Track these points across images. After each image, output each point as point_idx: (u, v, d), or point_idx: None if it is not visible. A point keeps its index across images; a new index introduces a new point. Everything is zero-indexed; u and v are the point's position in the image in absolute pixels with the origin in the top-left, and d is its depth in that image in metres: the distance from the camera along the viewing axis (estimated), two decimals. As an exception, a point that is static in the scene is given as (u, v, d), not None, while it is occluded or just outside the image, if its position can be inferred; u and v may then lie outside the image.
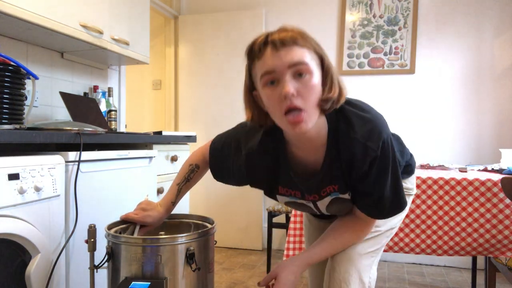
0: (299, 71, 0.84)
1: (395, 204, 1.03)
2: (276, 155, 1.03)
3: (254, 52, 0.89)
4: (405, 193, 1.11)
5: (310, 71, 0.85)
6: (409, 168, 1.25)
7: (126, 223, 1.24)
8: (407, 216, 1.87)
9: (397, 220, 1.22)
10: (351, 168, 0.97)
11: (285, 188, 1.10)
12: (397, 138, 1.21)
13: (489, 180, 1.77)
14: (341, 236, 1.10)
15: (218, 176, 1.23)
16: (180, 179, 1.28)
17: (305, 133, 0.90)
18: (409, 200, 1.24)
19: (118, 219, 1.27)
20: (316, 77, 0.87)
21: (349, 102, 0.98)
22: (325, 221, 1.31)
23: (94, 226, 1.17)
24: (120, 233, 1.20)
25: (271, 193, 1.14)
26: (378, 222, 1.14)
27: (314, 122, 0.88)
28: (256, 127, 1.02)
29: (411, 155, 1.29)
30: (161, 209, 1.25)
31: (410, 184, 1.28)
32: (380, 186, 0.98)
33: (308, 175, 1.03)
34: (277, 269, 1.08)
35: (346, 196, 1.05)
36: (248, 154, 1.04)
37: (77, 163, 1.39)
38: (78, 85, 2.37)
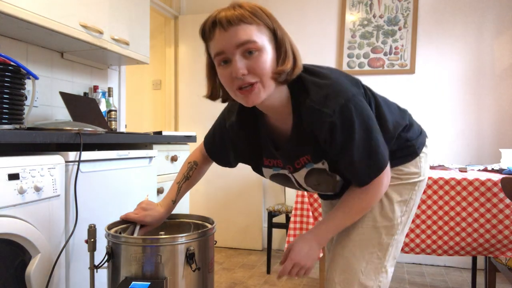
0: (248, 49, 0.85)
1: (372, 167, 0.97)
2: (256, 126, 1.06)
3: (205, 34, 0.91)
4: (408, 179, 1.10)
5: (259, 48, 0.86)
6: (411, 149, 1.12)
7: (126, 223, 1.24)
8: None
9: (398, 215, 1.09)
10: (315, 136, 0.96)
11: (268, 159, 1.11)
12: (388, 104, 1.11)
13: (489, 180, 1.77)
14: (350, 202, 1.04)
15: (220, 161, 1.25)
16: (180, 178, 1.28)
17: (261, 104, 0.92)
18: (416, 187, 1.12)
19: (118, 219, 1.27)
20: (267, 53, 0.87)
21: (307, 69, 0.98)
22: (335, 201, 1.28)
23: (94, 226, 1.17)
24: (120, 233, 1.20)
25: (257, 166, 1.16)
26: (362, 218, 1.08)
27: (268, 94, 0.90)
28: (234, 103, 1.05)
29: (420, 134, 1.17)
30: (162, 209, 1.25)
31: (414, 168, 1.12)
32: (348, 151, 0.93)
33: (283, 142, 1.04)
34: (289, 245, 1.07)
35: (321, 165, 1.02)
36: (230, 127, 1.09)
37: (77, 163, 1.39)
38: (78, 85, 2.37)
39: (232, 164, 1.24)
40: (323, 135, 0.94)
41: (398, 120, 1.10)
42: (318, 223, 1.09)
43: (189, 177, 1.28)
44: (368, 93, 1.04)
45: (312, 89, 0.92)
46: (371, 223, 1.09)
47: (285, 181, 1.16)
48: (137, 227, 1.22)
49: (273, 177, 1.17)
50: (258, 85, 0.87)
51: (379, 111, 1.04)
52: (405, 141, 1.12)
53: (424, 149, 1.18)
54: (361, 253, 1.07)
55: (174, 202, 1.27)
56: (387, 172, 1.02)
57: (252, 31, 0.85)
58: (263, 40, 0.87)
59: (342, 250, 1.09)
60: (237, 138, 1.11)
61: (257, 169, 1.17)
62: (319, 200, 1.42)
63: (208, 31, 0.89)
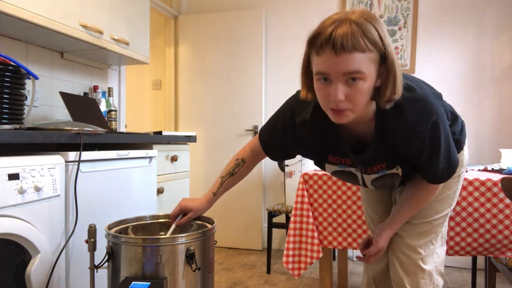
0: (353, 78, 0.85)
1: (449, 170, 1.11)
2: (328, 124, 1.04)
3: (315, 46, 0.87)
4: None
5: (363, 78, 0.85)
6: (457, 145, 1.19)
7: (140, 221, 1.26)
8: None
9: (448, 207, 1.25)
10: (400, 146, 1.03)
11: (335, 157, 1.15)
12: (450, 110, 1.20)
13: (489, 180, 1.77)
14: (421, 198, 1.18)
15: (273, 154, 1.27)
16: (225, 173, 1.32)
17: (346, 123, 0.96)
18: (460, 178, 1.26)
19: (118, 219, 1.27)
20: (369, 81, 0.87)
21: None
22: (384, 190, 1.40)
23: (94, 226, 1.17)
24: (120, 233, 1.20)
25: (320, 162, 1.21)
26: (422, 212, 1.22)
27: (360, 114, 0.95)
28: (307, 100, 1.04)
29: (462, 127, 1.24)
30: (202, 199, 1.30)
31: (466, 156, 1.28)
32: (434, 163, 1.06)
33: (359, 144, 1.09)
34: (377, 233, 1.22)
35: (394, 170, 1.12)
36: (301, 123, 1.09)
37: (77, 163, 1.39)
38: (78, 85, 2.37)
39: (284, 158, 1.29)
40: (410, 148, 1.02)
41: (450, 117, 1.18)
42: (392, 217, 1.22)
43: (234, 173, 1.31)
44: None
45: (406, 105, 0.95)
46: (425, 219, 1.23)
47: (348, 177, 1.23)
48: (173, 226, 1.26)
49: (336, 173, 1.22)
50: (348, 112, 0.90)
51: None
52: (453, 135, 1.15)
53: (466, 141, 1.27)
54: (420, 246, 1.23)
55: (215, 194, 1.31)
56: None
57: (363, 60, 0.83)
58: (371, 69, 0.86)
59: (401, 246, 1.25)
60: (307, 134, 1.10)
61: (320, 164, 1.23)
62: (366, 193, 1.49)
63: (319, 45, 0.86)
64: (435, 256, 1.25)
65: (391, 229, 1.22)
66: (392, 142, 1.02)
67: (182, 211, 1.29)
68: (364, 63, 0.83)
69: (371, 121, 1.01)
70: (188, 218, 1.29)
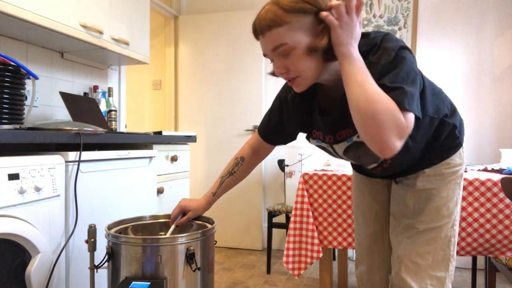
0: (282, 52, 0.91)
1: (408, 93, 0.88)
2: (313, 95, 1.09)
3: (254, 36, 0.98)
4: (455, 172, 1.14)
5: (292, 48, 0.90)
6: (457, 141, 1.14)
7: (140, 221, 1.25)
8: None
9: (453, 209, 1.13)
10: None
11: (316, 131, 1.14)
12: (450, 102, 1.14)
13: (489, 180, 1.77)
14: (379, 96, 0.87)
15: (274, 140, 1.28)
16: (224, 173, 1.32)
17: (305, 88, 0.97)
18: (461, 177, 1.17)
19: (118, 219, 1.27)
20: (302, 47, 0.90)
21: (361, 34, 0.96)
22: (375, 181, 1.30)
23: (94, 226, 1.18)
24: (120, 233, 1.20)
25: (308, 136, 1.19)
26: (421, 222, 1.12)
27: (313, 79, 0.95)
28: None
29: (460, 122, 1.16)
30: (202, 199, 1.30)
31: (459, 159, 1.16)
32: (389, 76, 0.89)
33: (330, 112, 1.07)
34: None
35: (358, 138, 1.03)
36: (291, 99, 1.14)
37: (77, 163, 1.39)
38: (78, 85, 2.37)
39: (285, 141, 1.28)
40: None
41: (439, 104, 1.09)
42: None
43: (234, 172, 1.31)
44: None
45: (362, 43, 0.93)
46: (431, 225, 1.13)
47: (327, 151, 1.19)
48: (172, 226, 1.27)
49: (319, 148, 1.20)
50: (298, 79, 0.94)
51: (423, 87, 1.03)
52: (453, 130, 1.12)
53: (464, 138, 1.21)
54: (428, 252, 1.12)
55: (214, 194, 1.31)
56: (410, 127, 0.88)
57: (283, 33, 0.89)
58: (297, 36, 0.89)
59: (409, 254, 1.13)
60: (298, 105, 1.13)
61: (310, 139, 1.20)
62: (359, 185, 1.38)
63: (254, 35, 0.97)
64: (445, 262, 1.14)
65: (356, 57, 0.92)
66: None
67: (182, 211, 1.30)
68: (285, 34, 0.89)
69: (337, 83, 0.97)
70: (188, 218, 1.29)
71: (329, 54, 0.90)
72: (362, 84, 0.86)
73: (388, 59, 0.90)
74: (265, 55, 0.97)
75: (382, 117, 0.83)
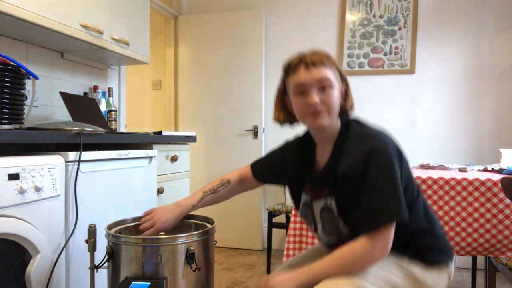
0: (323, 85, 1.05)
1: (384, 207, 0.97)
2: (307, 152, 1.21)
3: (290, 68, 1.10)
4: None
5: (331, 85, 1.06)
6: (428, 254, 1.07)
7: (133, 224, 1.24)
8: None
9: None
10: (341, 166, 1.06)
11: (306, 185, 1.19)
12: (420, 195, 1.11)
13: (489, 180, 1.77)
14: (342, 251, 1.00)
15: (259, 174, 1.34)
16: (207, 189, 1.33)
17: (323, 127, 1.08)
18: None
19: (118, 219, 1.27)
20: (336, 90, 1.08)
21: (358, 122, 1.15)
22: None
23: (94, 226, 1.17)
24: (120, 233, 1.20)
25: (298, 192, 1.23)
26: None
27: (330, 122, 1.09)
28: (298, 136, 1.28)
29: (445, 246, 1.11)
30: (176, 210, 1.26)
31: (429, 280, 1.06)
32: (366, 195, 0.99)
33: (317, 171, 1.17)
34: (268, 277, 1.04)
35: (333, 204, 1.07)
36: (290, 146, 1.27)
37: (77, 163, 1.39)
38: (78, 85, 2.37)
39: (272, 180, 1.34)
40: (349, 168, 1.02)
41: (420, 216, 1.08)
42: (305, 266, 1.04)
43: (217, 191, 1.32)
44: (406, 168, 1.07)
45: (353, 136, 1.08)
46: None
47: (307, 214, 1.20)
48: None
49: (303, 210, 1.22)
50: (325, 113, 1.06)
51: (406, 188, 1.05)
52: (422, 237, 1.08)
53: (445, 269, 1.10)
54: None
55: (194, 206, 1.29)
56: (387, 239, 0.97)
57: (328, 71, 1.07)
58: (335, 80, 1.08)
59: None
60: (296, 151, 1.24)
61: (296, 195, 1.24)
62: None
63: (293, 67, 1.09)
64: None
65: (293, 274, 1.01)
66: (336, 164, 1.07)
67: (154, 228, 1.23)
68: (330, 74, 1.07)
69: (332, 144, 1.12)
70: (157, 232, 1.23)
71: (342, 110, 1.10)
72: (327, 273, 0.99)
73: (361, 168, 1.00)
74: (300, 84, 1.06)
75: (358, 267, 1.00)
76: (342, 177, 1.03)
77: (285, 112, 1.18)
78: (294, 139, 1.30)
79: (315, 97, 1.05)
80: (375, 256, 0.98)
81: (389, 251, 1.00)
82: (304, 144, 1.24)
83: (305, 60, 1.07)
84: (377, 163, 0.99)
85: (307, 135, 1.24)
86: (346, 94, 1.13)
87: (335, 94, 1.07)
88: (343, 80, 1.13)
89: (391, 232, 0.98)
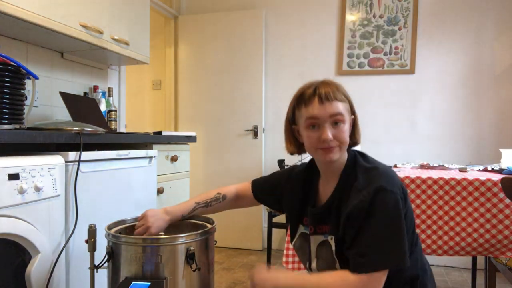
0: (336, 120, 1.05)
1: (377, 257, 0.96)
2: (310, 182, 1.20)
3: (303, 99, 1.08)
4: None
5: (344, 120, 1.06)
6: None
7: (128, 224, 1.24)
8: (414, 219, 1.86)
9: None
10: (343, 207, 1.04)
11: (305, 217, 1.17)
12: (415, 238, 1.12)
13: (489, 180, 1.77)
14: (329, 277, 1.00)
15: (258, 196, 1.33)
16: (200, 200, 1.31)
17: (333, 162, 1.08)
18: None
19: (118, 219, 1.27)
20: (347, 124, 1.07)
21: (361, 153, 1.14)
22: None
23: (94, 226, 1.17)
24: (120, 233, 1.20)
25: (295, 223, 1.21)
26: None
27: (341, 156, 1.08)
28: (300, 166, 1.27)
29: (430, 279, 1.13)
30: (167, 217, 1.26)
31: None
32: (363, 237, 0.97)
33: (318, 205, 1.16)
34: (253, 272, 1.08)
35: (332, 243, 1.07)
36: (295, 176, 1.24)
37: (77, 163, 1.39)
38: (78, 85, 2.37)
39: (267, 202, 1.33)
40: (349, 210, 1.00)
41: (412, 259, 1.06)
42: (290, 272, 1.09)
43: (209, 206, 1.31)
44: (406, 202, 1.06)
45: (360, 173, 1.06)
46: None
47: (302, 247, 1.19)
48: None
49: (298, 241, 1.21)
50: (336, 148, 1.06)
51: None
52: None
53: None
54: None
55: (184, 217, 1.29)
56: (380, 282, 0.96)
57: (341, 107, 1.06)
58: (346, 113, 1.07)
59: None
60: (297, 183, 1.22)
61: (294, 225, 1.22)
62: None
63: (307, 98, 1.07)
64: None
65: (280, 278, 1.03)
66: (341, 200, 1.06)
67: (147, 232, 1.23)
68: (342, 109, 1.06)
69: (338, 177, 1.10)
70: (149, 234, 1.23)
71: (351, 143, 1.10)
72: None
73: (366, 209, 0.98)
74: (313, 117, 1.05)
75: None
76: (347, 217, 1.00)
77: (294, 142, 1.17)
78: (300, 166, 1.26)
79: (329, 133, 1.03)
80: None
81: None
82: (309, 173, 1.21)
83: (319, 93, 1.05)
84: (384, 205, 0.97)
85: (313, 164, 1.21)
86: (354, 126, 1.12)
87: (346, 128, 1.07)
88: (353, 112, 1.12)
89: (384, 277, 0.97)
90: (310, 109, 1.05)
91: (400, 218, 0.98)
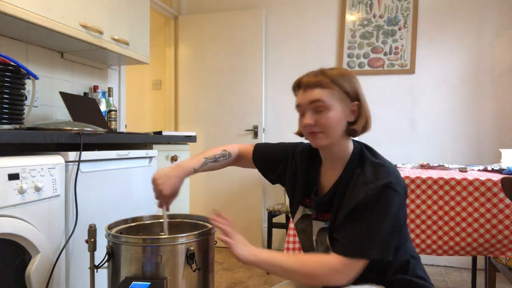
0: (316, 107, 1.06)
1: (363, 244, 0.98)
2: (316, 160, 1.19)
3: (294, 89, 1.14)
4: None
5: (326, 106, 1.05)
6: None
7: (129, 222, 1.24)
8: (407, 216, 1.87)
9: None
10: (347, 199, 1.04)
11: (308, 199, 1.18)
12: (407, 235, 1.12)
13: (489, 180, 1.77)
14: (309, 260, 1.02)
15: (258, 162, 1.32)
16: (209, 156, 1.28)
17: (321, 147, 1.10)
18: None
19: (118, 219, 1.27)
20: (334, 111, 1.06)
21: (368, 148, 1.14)
22: None
23: (94, 226, 1.17)
24: (120, 233, 1.20)
25: (297, 202, 1.21)
26: None
27: (331, 141, 1.08)
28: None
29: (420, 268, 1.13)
30: (180, 172, 1.19)
31: None
32: (358, 222, 0.99)
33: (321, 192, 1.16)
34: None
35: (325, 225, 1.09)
36: (300, 151, 1.24)
37: (77, 163, 1.39)
38: (78, 85, 2.37)
39: (266, 171, 1.32)
40: (357, 206, 1.00)
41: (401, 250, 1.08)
42: (273, 253, 1.07)
43: (218, 161, 1.29)
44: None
45: (368, 167, 1.06)
46: None
47: (308, 233, 1.18)
48: (164, 214, 1.22)
49: (299, 223, 1.21)
50: (321, 134, 1.07)
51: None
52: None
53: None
54: None
55: (196, 170, 1.24)
56: (354, 270, 0.98)
57: (323, 93, 1.06)
58: (333, 101, 1.06)
59: None
60: (300, 160, 1.22)
61: (293, 201, 1.23)
62: None
63: (294, 88, 1.13)
64: None
65: (259, 253, 1.06)
66: (344, 192, 1.06)
67: (166, 201, 1.20)
68: (325, 95, 1.06)
69: (340, 170, 1.10)
70: (168, 204, 1.21)
71: (350, 130, 1.08)
72: (285, 267, 1.03)
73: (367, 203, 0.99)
74: (298, 105, 1.10)
75: (317, 280, 0.99)
76: (353, 209, 1.00)
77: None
78: (307, 145, 1.25)
79: (308, 119, 1.07)
80: (338, 278, 0.98)
81: (350, 281, 0.99)
82: (313, 154, 1.21)
83: (302, 81, 1.10)
84: (387, 202, 0.98)
85: (315, 150, 1.21)
86: (359, 113, 1.09)
87: (332, 115, 1.05)
88: (353, 99, 1.08)
89: (363, 266, 0.99)
90: (297, 97, 1.11)
91: (397, 218, 0.99)
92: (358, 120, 1.09)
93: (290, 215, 1.36)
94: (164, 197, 1.17)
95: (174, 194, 1.19)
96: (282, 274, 1.04)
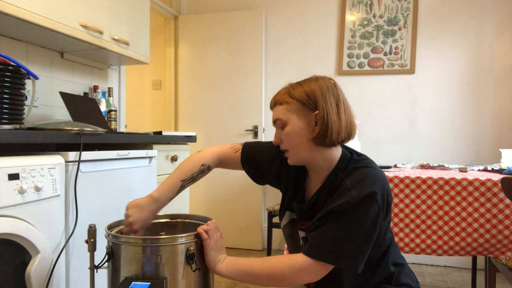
0: (279, 125, 1.08)
1: (333, 249, 0.96)
2: (301, 171, 1.17)
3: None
4: None
5: (285, 123, 1.06)
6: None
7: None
8: (407, 216, 1.87)
9: None
10: (327, 205, 1.02)
11: (295, 203, 1.16)
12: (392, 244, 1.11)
13: (489, 180, 1.77)
14: (271, 260, 1.03)
15: (247, 162, 1.27)
16: (186, 176, 1.21)
17: (294, 164, 1.10)
18: None
19: (118, 219, 1.27)
20: (293, 125, 1.05)
21: (361, 155, 1.11)
22: None
23: (94, 226, 1.17)
24: (120, 233, 1.19)
25: (285, 206, 1.21)
26: None
27: (301, 157, 1.07)
28: None
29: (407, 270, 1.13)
30: (154, 207, 1.17)
31: None
32: (332, 227, 0.97)
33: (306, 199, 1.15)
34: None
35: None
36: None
37: (77, 163, 1.39)
38: (78, 85, 2.37)
39: (254, 172, 1.27)
40: (334, 209, 0.98)
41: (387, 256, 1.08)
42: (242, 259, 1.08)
43: (196, 179, 1.24)
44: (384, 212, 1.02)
45: (353, 171, 1.02)
46: None
47: (295, 237, 1.18)
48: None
49: (286, 228, 1.21)
50: (288, 152, 1.09)
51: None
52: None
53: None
54: None
55: (172, 199, 1.21)
56: (322, 272, 0.98)
57: (281, 110, 1.07)
58: (289, 115, 1.05)
59: None
60: (289, 173, 1.19)
61: (283, 209, 1.23)
62: None
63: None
64: None
65: (227, 261, 1.06)
66: (327, 200, 1.04)
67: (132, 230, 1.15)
68: (282, 112, 1.06)
69: (326, 175, 1.08)
70: (133, 232, 1.17)
71: (319, 140, 1.02)
72: (250, 272, 1.02)
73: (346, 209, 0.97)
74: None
75: (283, 281, 1.00)
76: (330, 212, 0.99)
77: None
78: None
79: (275, 137, 1.10)
80: (307, 278, 0.98)
81: (314, 279, 1.00)
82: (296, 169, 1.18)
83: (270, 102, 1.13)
84: (366, 212, 0.96)
85: None
86: (321, 122, 1.01)
87: (288, 130, 1.05)
88: (315, 108, 1.02)
89: (328, 271, 0.99)
90: None
91: (372, 230, 0.97)
92: (323, 132, 1.01)
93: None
94: (133, 230, 1.15)
95: (144, 227, 1.17)
96: (254, 282, 1.04)
